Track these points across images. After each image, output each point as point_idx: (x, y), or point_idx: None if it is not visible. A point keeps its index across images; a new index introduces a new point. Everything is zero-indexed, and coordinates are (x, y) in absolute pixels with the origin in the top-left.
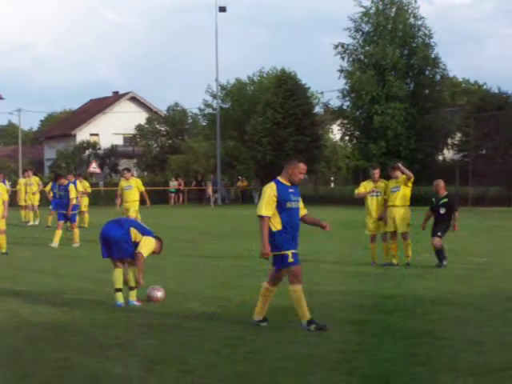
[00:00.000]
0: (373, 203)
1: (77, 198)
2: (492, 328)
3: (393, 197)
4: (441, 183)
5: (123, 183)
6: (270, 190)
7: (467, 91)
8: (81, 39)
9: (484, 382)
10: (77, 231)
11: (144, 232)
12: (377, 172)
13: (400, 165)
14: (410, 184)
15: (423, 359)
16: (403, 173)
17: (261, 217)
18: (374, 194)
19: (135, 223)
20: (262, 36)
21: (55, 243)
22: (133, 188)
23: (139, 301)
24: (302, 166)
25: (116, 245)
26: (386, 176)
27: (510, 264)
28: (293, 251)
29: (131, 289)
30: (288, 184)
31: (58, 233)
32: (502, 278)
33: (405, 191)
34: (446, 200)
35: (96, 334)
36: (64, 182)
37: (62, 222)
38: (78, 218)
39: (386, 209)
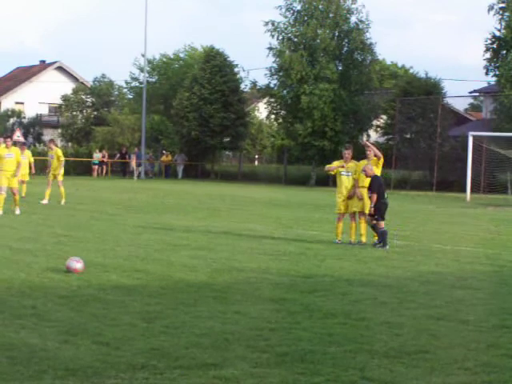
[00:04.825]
0: (344, 183)
1: None
2: (408, 311)
3: (364, 178)
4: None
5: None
6: None
7: (395, 75)
8: (6, 6)
9: (398, 364)
10: None
11: None
12: (349, 152)
13: (369, 144)
14: (380, 164)
15: (339, 339)
16: (374, 153)
17: None
18: (345, 173)
19: None
20: (192, 10)
21: None
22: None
23: None
24: None
25: None
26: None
27: (429, 247)
28: None
29: None
30: None
31: None
32: (420, 261)
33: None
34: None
35: (13, 303)
36: None
37: None
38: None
39: (357, 189)
